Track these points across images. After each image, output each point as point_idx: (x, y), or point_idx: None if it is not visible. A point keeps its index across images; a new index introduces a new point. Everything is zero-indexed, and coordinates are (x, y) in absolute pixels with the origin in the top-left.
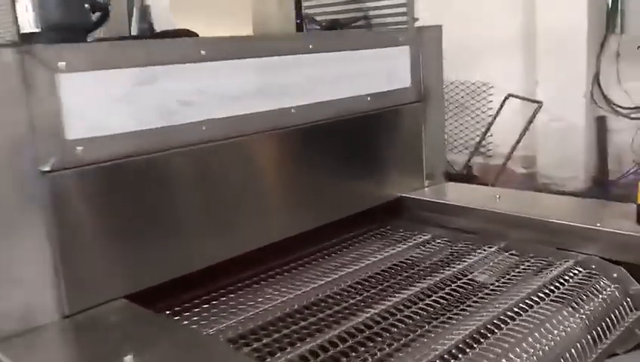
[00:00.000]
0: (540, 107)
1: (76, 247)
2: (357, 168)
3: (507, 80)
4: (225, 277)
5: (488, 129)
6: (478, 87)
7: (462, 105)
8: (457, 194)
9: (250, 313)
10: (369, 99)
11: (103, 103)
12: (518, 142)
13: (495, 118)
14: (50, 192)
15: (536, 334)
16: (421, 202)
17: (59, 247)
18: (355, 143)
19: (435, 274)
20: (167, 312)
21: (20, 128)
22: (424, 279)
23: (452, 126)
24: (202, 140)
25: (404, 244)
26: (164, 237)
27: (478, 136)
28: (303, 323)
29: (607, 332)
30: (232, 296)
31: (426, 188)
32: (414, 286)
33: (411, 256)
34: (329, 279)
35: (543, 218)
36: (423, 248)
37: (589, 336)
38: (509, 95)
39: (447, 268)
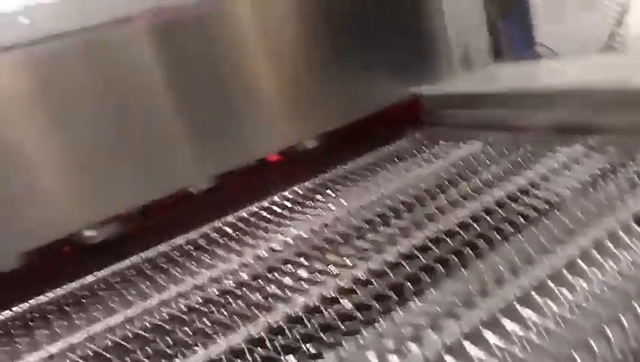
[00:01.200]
0: None
1: None
2: (332, 57)
3: None
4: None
5: (621, 19)
6: None
7: None
8: (505, 75)
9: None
10: None
11: None
12: None
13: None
14: None
15: None
16: (449, 98)
17: None
18: (345, 25)
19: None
20: None
21: None
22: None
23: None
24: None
25: (439, 159)
26: None
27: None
28: None
29: None
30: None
31: (459, 78)
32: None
33: (453, 172)
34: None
35: None
36: (469, 160)
37: None
38: None
39: (506, 183)
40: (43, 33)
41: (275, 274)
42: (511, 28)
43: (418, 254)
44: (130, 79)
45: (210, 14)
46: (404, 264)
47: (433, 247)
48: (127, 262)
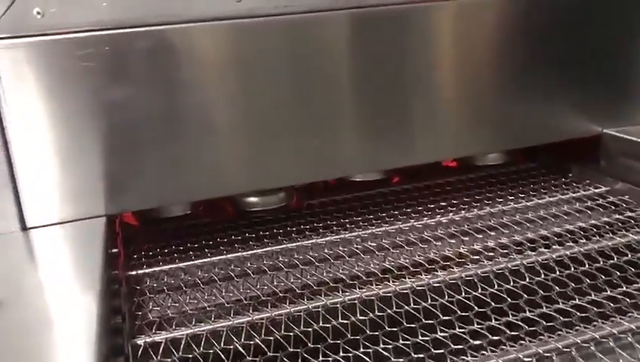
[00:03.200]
0: None
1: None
2: (525, 77)
3: None
4: None
5: None
6: None
7: None
8: None
9: None
10: None
11: None
12: None
13: None
14: None
15: None
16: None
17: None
18: (543, 43)
19: None
20: None
21: None
22: None
23: None
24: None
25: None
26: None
27: None
28: None
29: None
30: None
31: None
32: None
33: None
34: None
35: None
36: None
37: None
38: None
39: None
40: (250, 11)
41: None
42: None
43: None
44: (320, 62)
45: (413, 12)
46: None
47: None
48: None
